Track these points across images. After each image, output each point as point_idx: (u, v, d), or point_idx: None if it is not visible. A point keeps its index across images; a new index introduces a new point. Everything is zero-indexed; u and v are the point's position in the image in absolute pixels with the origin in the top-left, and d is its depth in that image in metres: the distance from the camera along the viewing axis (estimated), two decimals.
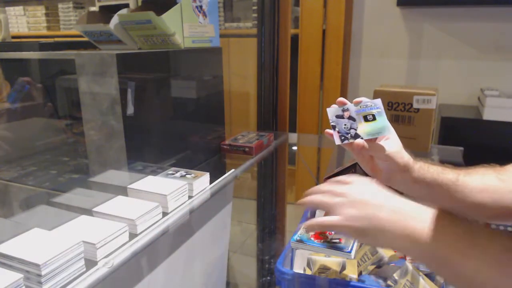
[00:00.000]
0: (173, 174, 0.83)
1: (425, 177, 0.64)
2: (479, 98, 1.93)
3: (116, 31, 1.01)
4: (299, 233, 0.73)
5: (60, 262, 0.51)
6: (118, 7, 1.04)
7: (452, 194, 0.63)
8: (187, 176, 0.81)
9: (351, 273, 0.73)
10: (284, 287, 0.73)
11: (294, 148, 1.58)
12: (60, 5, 3.08)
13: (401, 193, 0.67)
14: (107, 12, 1.08)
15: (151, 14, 0.96)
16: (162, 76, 1.00)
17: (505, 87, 1.91)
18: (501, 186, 0.62)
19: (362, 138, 0.63)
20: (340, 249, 0.69)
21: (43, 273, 0.49)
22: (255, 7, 2.39)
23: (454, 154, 1.19)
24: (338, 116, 0.66)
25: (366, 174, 1.05)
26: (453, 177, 0.64)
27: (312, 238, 0.72)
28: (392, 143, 0.64)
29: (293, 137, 1.50)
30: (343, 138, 0.65)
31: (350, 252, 0.68)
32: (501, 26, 1.88)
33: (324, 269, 0.75)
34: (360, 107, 0.65)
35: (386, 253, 0.79)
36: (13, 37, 2.70)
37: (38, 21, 3.19)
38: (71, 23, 3.08)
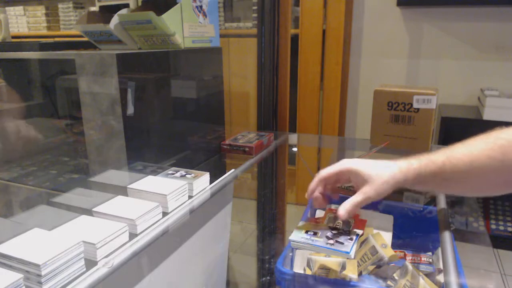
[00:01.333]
0: (173, 174, 0.83)
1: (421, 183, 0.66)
2: (479, 98, 1.93)
3: (116, 31, 1.01)
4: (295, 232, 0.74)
5: (60, 262, 0.51)
6: (118, 7, 1.04)
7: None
8: (187, 176, 0.81)
9: (351, 273, 0.73)
10: (284, 287, 0.73)
11: (294, 149, 1.58)
12: (60, 5, 3.07)
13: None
14: (107, 12, 1.08)
15: (151, 14, 0.96)
16: (162, 76, 1.00)
17: (505, 87, 1.91)
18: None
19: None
20: (340, 249, 0.69)
21: (43, 273, 0.49)
22: (255, 7, 2.40)
23: None
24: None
25: None
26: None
27: (313, 237, 0.72)
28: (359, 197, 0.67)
29: (293, 137, 1.50)
30: None
31: (349, 252, 0.68)
32: (501, 26, 1.88)
33: (324, 269, 0.75)
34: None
35: (386, 253, 0.79)
36: (13, 37, 2.70)
37: (38, 21, 3.19)
38: (71, 23, 3.08)
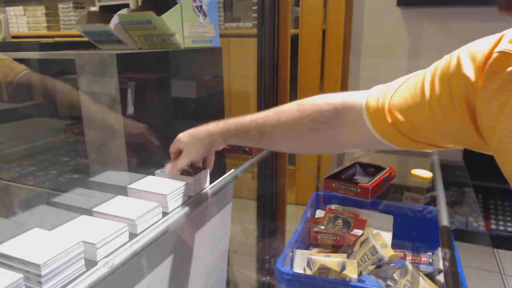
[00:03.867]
0: None
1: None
2: None
3: (116, 31, 1.01)
4: None
5: (60, 262, 0.51)
6: (118, 7, 1.04)
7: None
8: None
9: (351, 273, 0.73)
10: (284, 287, 0.73)
11: None
12: (60, 5, 3.08)
13: None
14: (107, 12, 1.08)
15: (151, 14, 0.96)
16: (162, 76, 1.00)
17: None
18: None
19: None
20: None
21: (43, 273, 0.49)
22: (255, 7, 2.39)
23: (454, 154, 1.19)
24: None
25: (366, 175, 1.05)
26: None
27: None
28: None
29: None
30: None
31: None
32: (501, 26, 1.88)
33: (324, 269, 0.75)
34: None
35: (386, 253, 0.79)
36: (13, 37, 2.70)
37: (38, 21, 3.19)
38: (71, 23, 3.08)
